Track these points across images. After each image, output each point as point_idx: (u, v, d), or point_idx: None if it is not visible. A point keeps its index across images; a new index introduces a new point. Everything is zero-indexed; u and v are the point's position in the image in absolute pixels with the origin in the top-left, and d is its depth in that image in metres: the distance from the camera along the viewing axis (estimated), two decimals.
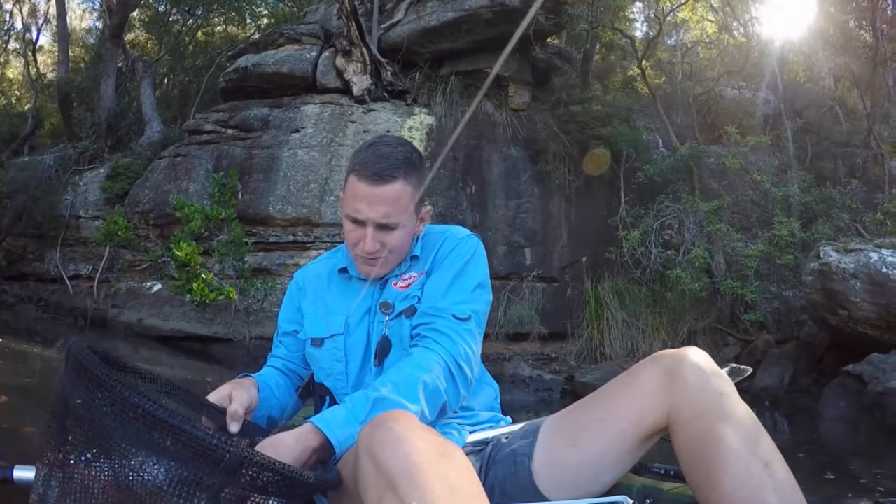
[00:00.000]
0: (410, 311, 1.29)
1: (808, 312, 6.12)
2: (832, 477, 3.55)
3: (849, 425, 4.81)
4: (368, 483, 0.84)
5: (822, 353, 6.12)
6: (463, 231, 1.39)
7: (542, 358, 7.24)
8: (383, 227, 1.25)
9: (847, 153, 8.06)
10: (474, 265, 1.33)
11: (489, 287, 1.34)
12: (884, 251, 5.13)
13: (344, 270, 1.40)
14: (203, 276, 5.52)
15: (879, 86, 7.58)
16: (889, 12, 7.31)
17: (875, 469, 3.74)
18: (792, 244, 6.50)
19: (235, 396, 1.15)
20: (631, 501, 1.08)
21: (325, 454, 1.06)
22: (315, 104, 8.17)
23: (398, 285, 1.33)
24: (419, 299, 1.30)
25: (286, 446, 1.03)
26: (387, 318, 1.30)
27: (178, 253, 5.24)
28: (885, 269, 5.07)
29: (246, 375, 1.32)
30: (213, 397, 1.15)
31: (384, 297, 1.33)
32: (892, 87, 7.73)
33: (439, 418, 1.22)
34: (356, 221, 1.26)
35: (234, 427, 1.11)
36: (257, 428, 1.23)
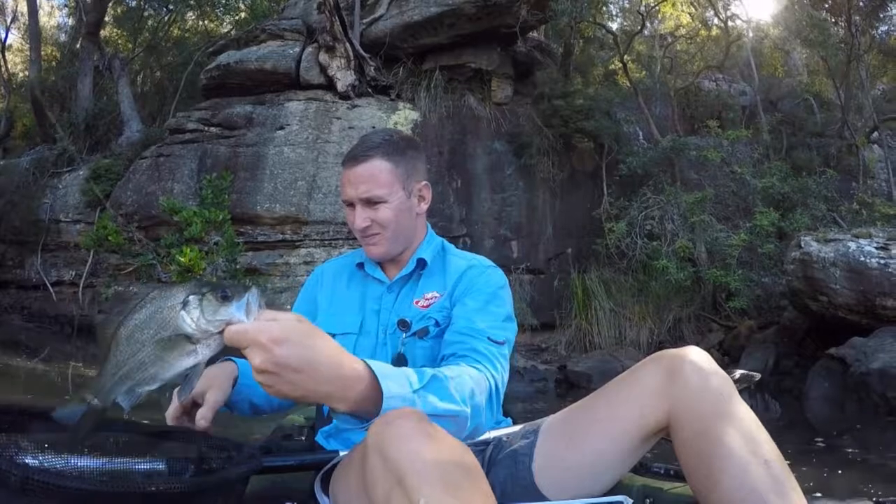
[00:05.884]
0: (423, 333, 1.29)
1: (789, 299, 6.35)
2: (822, 449, 3.75)
3: (834, 404, 5.07)
4: (377, 480, 0.84)
5: (803, 337, 6.37)
6: (488, 261, 1.42)
7: (534, 349, 7.38)
8: (368, 203, 1.30)
9: (821, 143, 8.32)
10: (506, 294, 1.34)
11: (515, 321, 1.34)
12: (861, 241, 5.36)
13: (361, 266, 1.43)
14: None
15: (853, 78, 7.82)
16: (861, 4, 7.53)
17: (865, 443, 3.97)
18: (772, 233, 6.73)
19: (208, 399, 1.13)
20: (631, 501, 1.09)
21: (357, 403, 0.90)
22: (299, 100, 8.12)
23: (419, 304, 1.34)
24: (437, 322, 1.30)
25: (339, 351, 0.90)
26: (404, 335, 1.30)
27: (182, 258, 5.19)
28: (862, 258, 5.30)
29: (229, 359, 1.28)
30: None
31: (402, 314, 1.33)
32: (866, 78, 7.99)
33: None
34: (348, 204, 1.34)
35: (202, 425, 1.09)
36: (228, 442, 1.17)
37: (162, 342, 0.82)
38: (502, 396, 1.20)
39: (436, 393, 0.98)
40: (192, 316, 0.83)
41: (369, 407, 0.90)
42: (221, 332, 0.83)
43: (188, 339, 0.83)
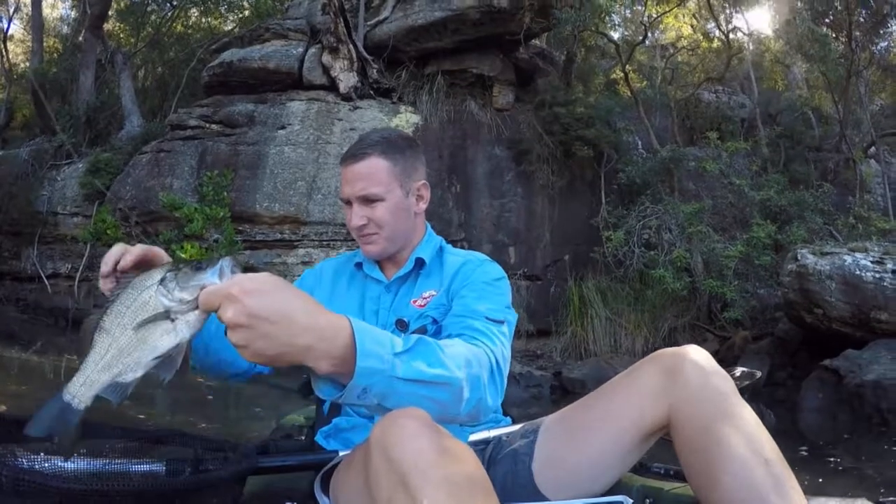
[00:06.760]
0: (421, 332, 1.27)
1: (784, 310, 6.38)
2: (814, 458, 3.78)
3: (828, 415, 5.12)
4: (380, 479, 0.84)
5: (797, 349, 6.41)
6: (485, 256, 1.41)
7: (529, 354, 7.39)
8: (364, 201, 1.29)
9: (819, 157, 8.40)
10: (504, 285, 1.33)
11: (515, 312, 1.31)
12: (857, 255, 5.41)
13: (360, 266, 1.42)
14: None
15: (852, 93, 7.90)
16: (862, 20, 7.60)
17: (856, 453, 4.00)
18: (768, 245, 6.77)
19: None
20: (631, 501, 1.09)
21: (340, 360, 0.85)
22: (301, 101, 8.13)
23: (417, 303, 1.33)
24: (434, 320, 1.28)
25: (306, 300, 0.85)
26: (402, 335, 1.31)
27: (183, 255, 5.21)
28: (858, 272, 5.34)
29: None
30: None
31: (400, 314, 1.32)
32: (865, 94, 8.06)
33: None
34: (346, 203, 1.33)
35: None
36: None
37: (142, 323, 0.83)
38: (506, 375, 1.13)
39: (423, 357, 0.91)
40: (169, 288, 0.84)
41: (351, 368, 0.84)
42: (199, 308, 0.83)
43: (167, 316, 0.83)
